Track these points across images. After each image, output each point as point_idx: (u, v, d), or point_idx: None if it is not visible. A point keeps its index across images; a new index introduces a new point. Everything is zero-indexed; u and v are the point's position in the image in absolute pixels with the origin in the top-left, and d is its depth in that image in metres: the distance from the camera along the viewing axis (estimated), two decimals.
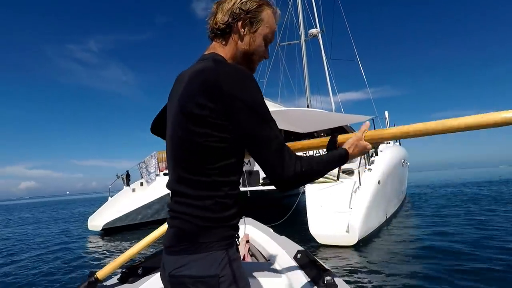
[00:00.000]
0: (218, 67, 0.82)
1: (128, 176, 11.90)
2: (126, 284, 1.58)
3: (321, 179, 7.43)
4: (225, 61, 0.88)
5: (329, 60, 15.86)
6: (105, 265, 1.60)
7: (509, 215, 8.35)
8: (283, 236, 2.26)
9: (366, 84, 15.91)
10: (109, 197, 11.24)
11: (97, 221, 10.18)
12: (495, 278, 3.78)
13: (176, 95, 0.90)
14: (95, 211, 10.78)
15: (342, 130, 12.30)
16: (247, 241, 2.45)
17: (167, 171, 11.44)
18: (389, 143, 11.31)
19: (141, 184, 11.49)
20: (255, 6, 0.89)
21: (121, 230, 9.93)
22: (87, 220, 10.56)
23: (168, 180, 0.94)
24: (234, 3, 0.88)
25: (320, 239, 5.73)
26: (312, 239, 5.82)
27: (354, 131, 11.10)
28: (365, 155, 7.30)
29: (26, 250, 7.75)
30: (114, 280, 1.63)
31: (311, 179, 0.89)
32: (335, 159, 0.95)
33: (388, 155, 8.47)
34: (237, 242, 0.98)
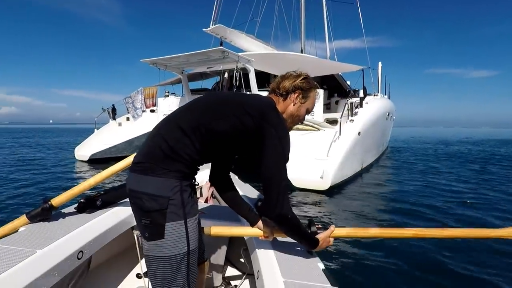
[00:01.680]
0: (275, 111, 1.20)
1: (114, 110, 11.76)
2: (84, 214, 1.58)
3: (304, 126, 7.61)
4: (279, 113, 1.23)
5: (327, 2, 14.91)
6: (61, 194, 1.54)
7: (474, 174, 8.94)
8: (247, 184, 2.39)
9: (363, 31, 15.28)
10: (95, 129, 11.28)
11: (84, 151, 10.39)
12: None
13: (224, 94, 1.32)
14: (81, 141, 10.94)
15: (333, 78, 12.18)
16: (211, 185, 2.62)
17: (153, 108, 11.48)
18: (377, 95, 11.38)
19: (127, 119, 11.45)
20: (308, 87, 1.29)
21: (107, 161, 10.18)
22: (73, 149, 10.77)
23: (180, 115, 1.19)
24: (295, 81, 1.28)
25: (295, 182, 6.09)
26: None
27: (345, 81, 11.01)
28: (349, 105, 7.41)
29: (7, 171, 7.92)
30: (71, 209, 1.62)
31: (287, 227, 1.21)
32: (306, 237, 1.26)
33: (372, 107, 8.59)
34: (196, 182, 1.20)
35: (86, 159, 10.13)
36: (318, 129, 7.53)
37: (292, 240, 1.31)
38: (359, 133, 6.96)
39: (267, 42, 12.67)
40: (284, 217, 1.14)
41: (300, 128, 7.55)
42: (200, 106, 1.19)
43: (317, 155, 6.36)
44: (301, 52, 14.33)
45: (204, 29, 10.43)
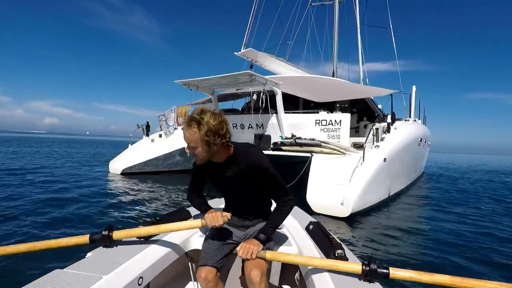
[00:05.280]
0: None
1: (148, 127, 12.46)
2: (142, 240, 1.66)
3: (329, 150, 7.54)
4: None
5: (361, 26, 14.94)
6: (122, 226, 1.65)
7: None
8: (296, 207, 2.29)
9: (395, 55, 15.00)
10: (130, 145, 11.95)
11: (117, 165, 11.00)
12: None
13: None
14: (116, 154, 11.66)
15: (363, 102, 12.01)
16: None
17: None
18: (408, 120, 11.00)
19: (160, 135, 12.03)
20: None
21: (138, 175, 10.70)
22: (108, 162, 11.51)
23: None
24: None
25: (314, 207, 5.98)
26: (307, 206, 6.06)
27: (376, 105, 10.76)
28: (375, 131, 7.23)
29: (50, 182, 8.57)
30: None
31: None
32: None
33: (401, 132, 8.30)
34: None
35: (119, 172, 10.71)
36: (344, 154, 7.42)
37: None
38: (384, 159, 6.75)
39: (297, 65, 12.89)
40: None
41: (325, 152, 7.48)
42: None
43: (340, 181, 6.24)
44: (333, 75, 14.35)
45: (235, 53, 10.89)
